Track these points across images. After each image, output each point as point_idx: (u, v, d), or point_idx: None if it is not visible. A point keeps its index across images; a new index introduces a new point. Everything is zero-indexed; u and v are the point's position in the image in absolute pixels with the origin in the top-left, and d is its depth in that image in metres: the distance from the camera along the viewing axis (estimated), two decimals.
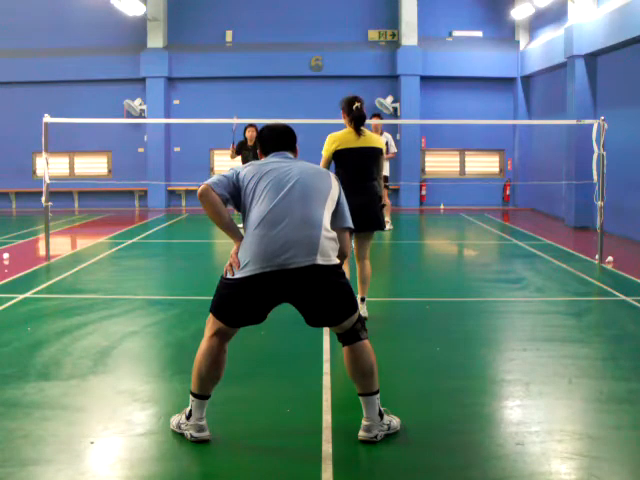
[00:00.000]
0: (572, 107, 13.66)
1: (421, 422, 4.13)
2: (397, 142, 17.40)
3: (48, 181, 9.62)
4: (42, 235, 10.59)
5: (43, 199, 9.62)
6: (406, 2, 17.33)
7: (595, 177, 9.38)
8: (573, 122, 11.85)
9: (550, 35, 15.76)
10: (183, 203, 18.27)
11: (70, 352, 5.38)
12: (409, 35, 17.45)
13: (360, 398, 3.76)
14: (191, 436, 3.72)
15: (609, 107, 12.63)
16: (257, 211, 3.60)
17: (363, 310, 6.26)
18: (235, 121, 11.09)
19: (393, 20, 17.84)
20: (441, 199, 17.75)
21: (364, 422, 3.73)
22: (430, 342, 5.69)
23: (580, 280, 8.32)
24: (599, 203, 9.29)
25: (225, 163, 18.31)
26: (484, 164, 18.49)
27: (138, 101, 17.83)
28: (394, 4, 17.72)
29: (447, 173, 18.32)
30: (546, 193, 16.03)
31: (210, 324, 3.72)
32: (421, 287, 8.17)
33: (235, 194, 3.69)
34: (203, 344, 3.72)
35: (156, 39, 17.67)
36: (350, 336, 3.70)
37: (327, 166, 6.38)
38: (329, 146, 6.31)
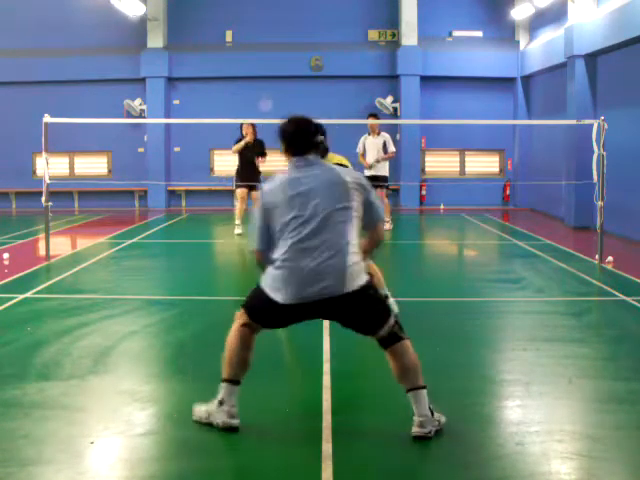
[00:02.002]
0: (572, 107, 13.65)
1: None
2: (397, 142, 17.43)
3: (48, 181, 9.61)
4: (42, 235, 10.59)
5: (43, 199, 9.62)
6: (406, 2, 17.33)
7: (595, 177, 9.38)
8: (573, 122, 11.85)
9: (550, 35, 15.76)
10: (183, 203, 18.26)
11: (70, 352, 5.38)
12: (409, 35, 17.44)
13: (410, 394, 3.82)
14: (223, 423, 3.84)
15: (609, 107, 12.62)
16: (284, 242, 3.71)
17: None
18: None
19: (393, 20, 17.83)
20: (441, 199, 17.74)
21: (417, 418, 3.77)
22: (430, 342, 5.68)
23: (580, 280, 8.32)
24: (599, 203, 9.29)
25: (225, 163, 18.33)
26: (484, 164, 18.49)
27: (138, 101, 17.82)
28: (394, 4, 17.72)
29: (447, 173, 18.32)
30: (546, 193, 16.02)
31: (242, 316, 3.91)
32: (421, 287, 8.16)
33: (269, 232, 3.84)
34: (233, 331, 3.89)
35: (156, 39, 17.67)
36: (391, 339, 3.81)
37: None
38: None
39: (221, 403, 3.88)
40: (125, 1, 15.15)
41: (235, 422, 3.86)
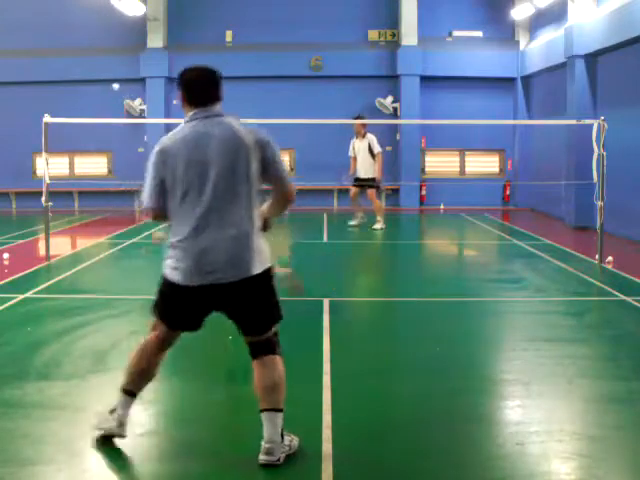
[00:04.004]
0: (572, 107, 13.65)
1: (421, 422, 4.13)
2: (397, 142, 17.44)
3: (48, 181, 9.61)
4: (42, 235, 10.59)
5: (43, 199, 9.62)
6: (406, 2, 17.32)
7: (595, 177, 9.37)
8: (573, 122, 11.85)
9: (550, 35, 15.76)
10: None
11: (70, 352, 5.38)
12: (409, 35, 17.44)
13: (263, 415, 3.46)
14: (108, 429, 3.62)
15: (609, 107, 12.62)
16: (180, 215, 3.41)
17: None
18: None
19: (393, 20, 17.83)
20: (441, 199, 17.73)
21: (265, 445, 3.42)
22: (430, 342, 5.68)
23: (580, 280, 8.32)
24: (599, 203, 9.29)
25: None
26: (484, 164, 18.48)
27: (138, 101, 17.82)
28: (394, 4, 17.71)
29: (447, 173, 18.30)
30: (546, 193, 16.01)
31: (151, 321, 3.76)
32: (421, 287, 8.16)
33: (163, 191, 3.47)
34: (140, 342, 3.77)
35: (156, 39, 17.66)
36: (265, 348, 3.58)
37: None
38: None
39: (112, 411, 3.69)
40: (125, 1, 15.14)
41: (121, 431, 3.64)
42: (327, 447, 3.63)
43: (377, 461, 3.56)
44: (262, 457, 3.44)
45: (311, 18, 17.78)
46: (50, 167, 9.81)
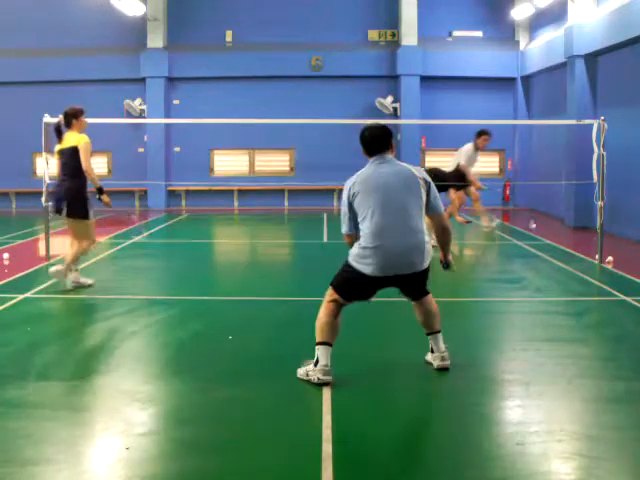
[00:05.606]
0: (572, 107, 13.65)
1: (421, 422, 4.13)
2: (397, 142, 17.42)
3: (48, 181, 9.61)
4: (42, 235, 10.59)
5: (43, 199, 9.62)
6: (406, 2, 17.33)
7: (595, 177, 9.37)
8: (573, 122, 11.85)
9: (550, 35, 15.76)
10: (183, 203, 18.26)
11: (70, 352, 5.38)
12: (409, 35, 17.44)
13: (430, 337, 4.88)
14: (318, 379, 4.52)
15: (609, 107, 12.62)
16: (369, 225, 4.51)
17: None
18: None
19: (393, 20, 17.83)
20: (441, 199, 17.71)
21: (441, 354, 4.83)
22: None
23: (580, 280, 8.32)
24: (599, 203, 9.29)
25: (225, 163, 18.33)
26: (484, 164, 18.46)
27: (138, 101, 17.83)
28: (394, 4, 17.72)
29: None
30: (546, 193, 16.02)
31: (330, 294, 4.73)
32: None
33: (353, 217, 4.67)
34: (323, 307, 4.72)
35: (156, 39, 17.66)
36: (422, 293, 4.86)
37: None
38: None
39: (316, 364, 4.54)
40: (125, 1, 15.15)
41: (329, 378, 4.52)
42: (327, 447, 3.64)
43: (377, 461, 3.56)
44: (439, 363, 4.84)
45: (311, 18, 17.79)
46: (50, 167, 9.81)
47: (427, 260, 4.65)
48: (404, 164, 4.75)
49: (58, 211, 7.67)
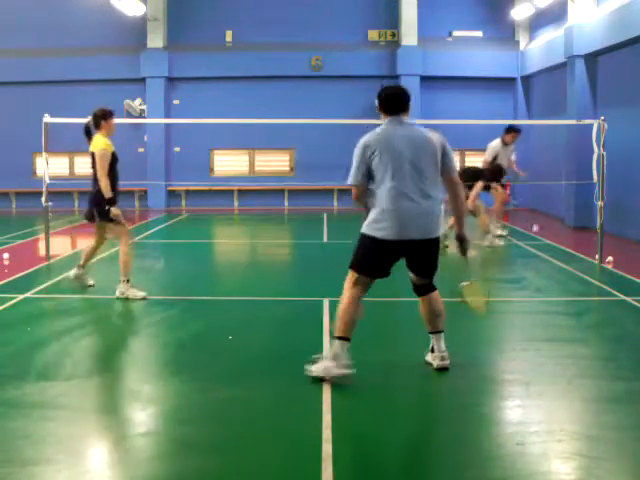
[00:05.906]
0: (572, 107, 13.65)
1: (421, 422, 4.13)
2: None
3: (48, 181, 9.61)
4: (42, 235, 10.59)
5: (43, 199, 9.62)
6: (406, 2, 17.33)
7: (595, 177, 9.37)
8: (573, 122, 11.84)
9: (550, 35, 15.76)
10: (183, 203, 18.26)
11: (70, 352, 5.38)
12: (409, 35, 17.44)
13: (432, 336, 4.87)
14: (339, 374, 4.51)
15: (609, 107, 12.62)
16: (384, 188, 4.52)
17: None
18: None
19: (393, 20, 17.83)
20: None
21: (441, 354, 4.83)
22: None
23: (580, 280, 8.32)
24: (599, 203, 9.29)
25: (225, 163, 18.32)
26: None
27: (138, 101, 17.82)
28: (394, 4, 17.72)
29: None
30: (546, 193, 16.02)
31: (351, 275, 4.68)
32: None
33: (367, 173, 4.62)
34: (345, 292, 4.66)
35: (156, 39, 17.66)
36: (430, 288, 4.83)
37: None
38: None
39: (335, 358, 4.56)
40: (125, 1, 15.14)
41: (349, 371, 4.54)
42: (327, 447, 3.63)
43: (377, 461, 3.56)
44: (439, 363, 4.81)
45: (311, 18, 17.78)
46: (50, 167, 9.81)
47: (439, 228, 4.66)
48: (418, 127, 4.78)
49: (89, 218, 7.52)
